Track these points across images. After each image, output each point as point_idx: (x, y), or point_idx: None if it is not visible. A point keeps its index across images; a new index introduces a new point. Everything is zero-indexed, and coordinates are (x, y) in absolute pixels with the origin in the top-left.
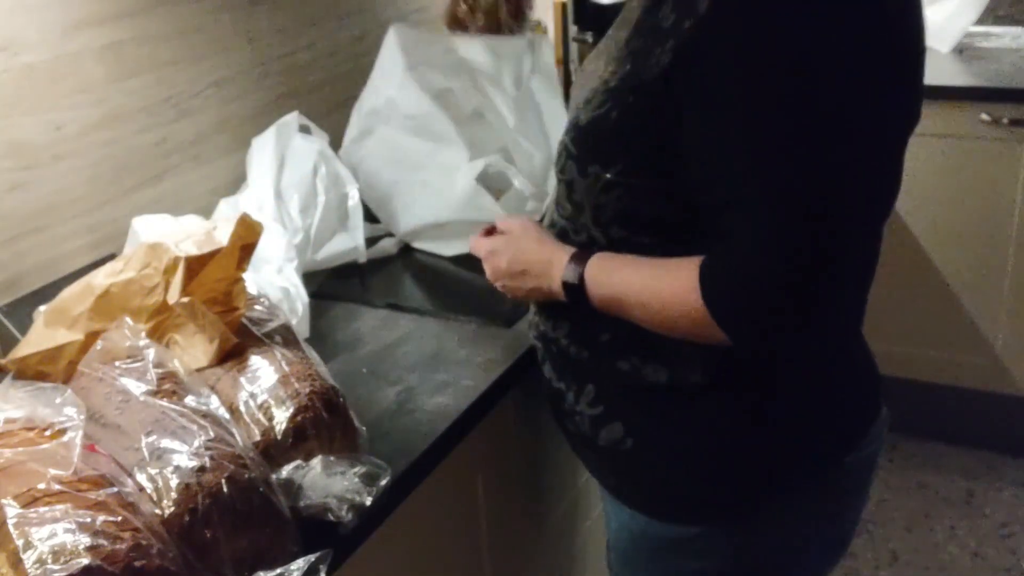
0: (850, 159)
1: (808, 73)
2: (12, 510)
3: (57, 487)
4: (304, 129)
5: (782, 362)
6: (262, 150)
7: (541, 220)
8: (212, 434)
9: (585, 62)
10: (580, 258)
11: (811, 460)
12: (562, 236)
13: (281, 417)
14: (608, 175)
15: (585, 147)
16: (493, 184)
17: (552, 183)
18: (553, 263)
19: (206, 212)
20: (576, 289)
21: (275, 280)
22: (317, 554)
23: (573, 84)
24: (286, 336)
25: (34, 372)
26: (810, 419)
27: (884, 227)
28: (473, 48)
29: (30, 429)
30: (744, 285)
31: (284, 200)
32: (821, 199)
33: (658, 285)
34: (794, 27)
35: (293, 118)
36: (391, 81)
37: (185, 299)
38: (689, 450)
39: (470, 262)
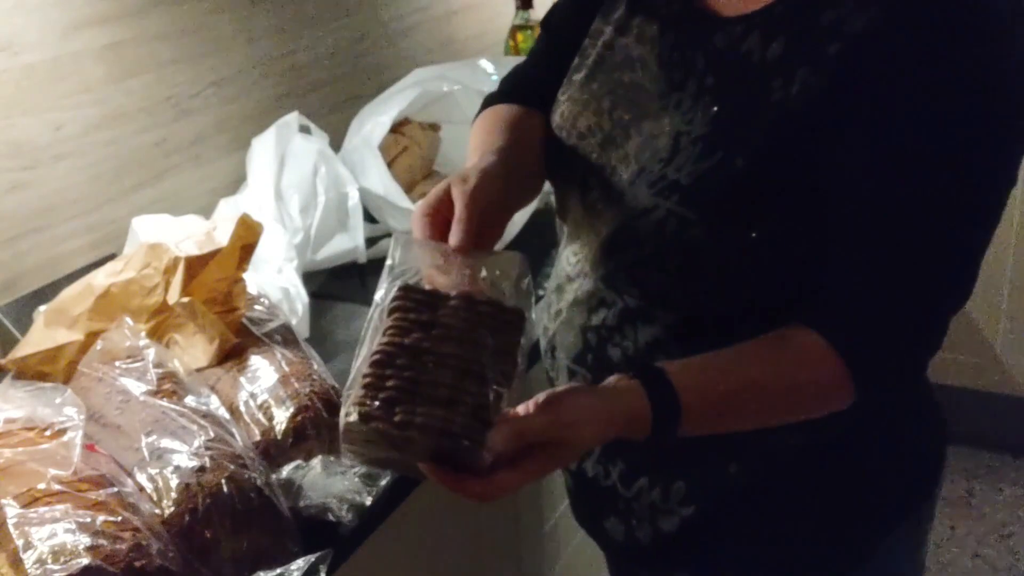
0: (996, 218)
1: (996, 123)
2: (12, 510)
3: (57, 487)
4: (304, 129)
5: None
6: (262, 150)
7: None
8: (212, 434)
9: (568, 116)
10: (655, 385)
11: (897, 509)
12: (636, 315)
13: (281, 417)
14: (754, 234)
15: (714, 207)
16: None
17: None
18: (619, 414)
19: (206, 212)
20: (670, 421)
21: (275, 280)
22: (317, 554)
23: (571, 148)
24: (286, 336)
25: (34, 372)
26: (890, 468)
27: None
28: None
29: (30, 429)
30: (887, 343)
31: (284, 200)
32: (967, 257)
33: (777, 374)
34: (990, 64)
35: (293, 118)
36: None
37: (185, 299)
38: (804, 509)
39: None
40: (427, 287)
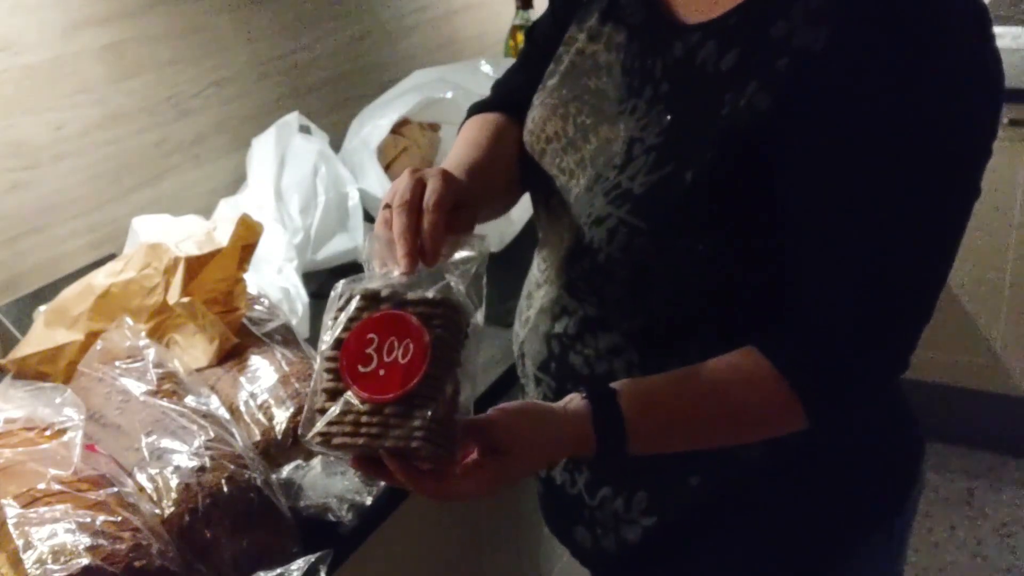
0: (959, 234)
1: (952, 133)
2: (12, 510)
3: (57, 487)
4: (304, 129)
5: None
6: (262, 150)
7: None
8: (212, 434)
9: (537, 120)
10: (604, 408)
11: (865, 522)
12: (595, 324)
13: (281, 417)
14: (701, 246)
15: (662, 218)
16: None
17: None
18: (566, 437)
19: (206, 212)
20: (616, 445)
21: (275, 280)
22: (317, 554)
23: (540, 152)
24: (286, 336)
25: (34, 372)
26: (859, 480)
27: None
28: None
29: (30, 429)
30: (837, 366)
31: (284, 200)
32: (926, 275)
33: (725, 397)
34: (945, 82)
35: (293, 118)
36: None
37: (185, 299)
38: (766, 522)
39: None
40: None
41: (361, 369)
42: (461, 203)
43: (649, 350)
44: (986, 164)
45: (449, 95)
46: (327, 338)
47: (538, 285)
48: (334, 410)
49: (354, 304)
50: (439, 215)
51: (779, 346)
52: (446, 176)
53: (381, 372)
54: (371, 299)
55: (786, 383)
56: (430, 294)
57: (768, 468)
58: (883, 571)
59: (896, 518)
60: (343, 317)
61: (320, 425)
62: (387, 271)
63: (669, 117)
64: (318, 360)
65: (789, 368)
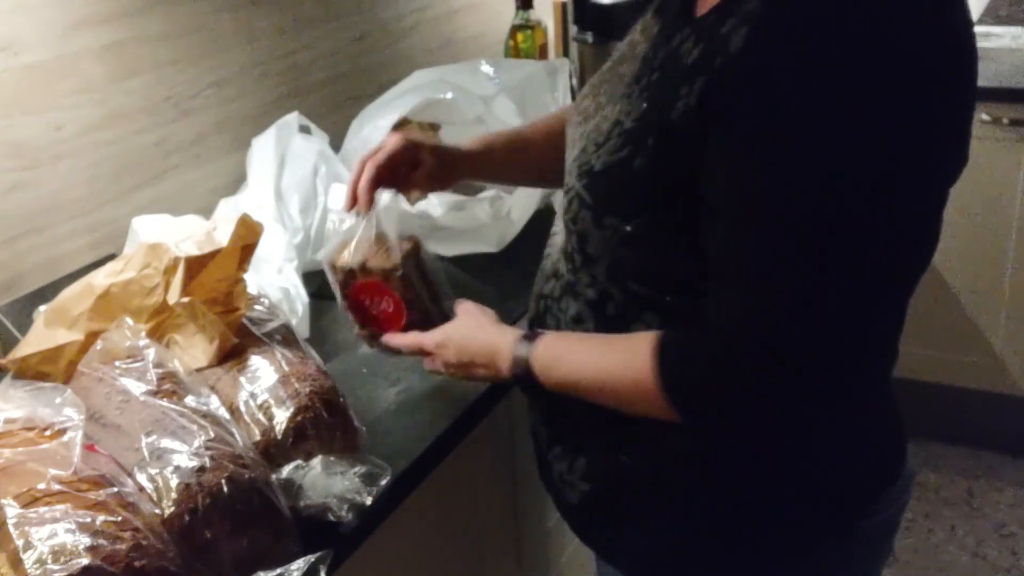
0: (871, 239)
1: (850, 140)
2: (12, 510)
3: (57, 487)
4: (304, 129)
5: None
6: (262, 150)
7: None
8: (212, 434)
9: (579, 97)
10: (526, 344)
11: (816, 526)
12: (568, 290)
13: (281, 417)
14: (628, 227)
15: (602, 196)
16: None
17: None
18: (500, 351)
19: (206, 212)
20: (526, 379)
21: (275, 280)
22: (317, 554)
23: (569, 123)
24: (286, 336)
25: (34, 372)
26: (810, 484)
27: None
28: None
29: (30, 429)
30: (709, 368)
31: (284, 200)
32: (824, 287)
33: (611, 365)
34: (848, 82)
35: (293, 118)
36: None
37: (185, 299)
38: (697, 514)
39: (470, 263)
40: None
41: (371, 312)
42: (418, 163)
43: (602, 327)
44: (950, 154)
45: (449, 95)
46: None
47: (550, 249)
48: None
49: (336, 277)
50: (369, 169)
51: (671, 338)
52: (399, 140)
53: (382, 316)
54: (348, 273)
55: (652, 373)
56: (387, 264)
57: (697, 461)
58: (840, 573)
59: (860, 522)
60: (337, 286)
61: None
62: (341, 219)
63: (645, 105)
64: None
65: (660, 360)
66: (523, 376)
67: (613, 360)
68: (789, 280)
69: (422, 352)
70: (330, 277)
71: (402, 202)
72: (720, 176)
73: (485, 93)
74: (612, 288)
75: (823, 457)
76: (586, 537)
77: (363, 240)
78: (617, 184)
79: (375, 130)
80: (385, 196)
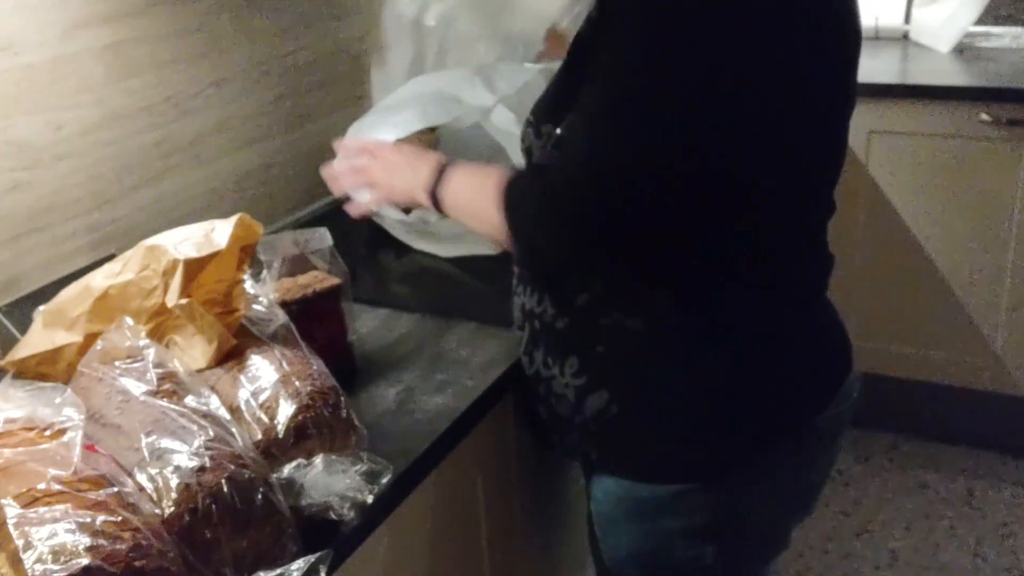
0: (701, 121)
1: (703, 30)
2: (12, 510)
3: (57, 487)
4: None
5: (750, 321)
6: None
7: None
8: (212, 434)
9: None
10: (442, 167)
11: (784, 420)
12: None
13: (283, 416)
14: (558, 131)
15: (539, 107)
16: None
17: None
18: (421, 165)
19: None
20: (432, 195)
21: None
22: (317, 554)
23: None
24: (286, 336)
25: (33, 373)
26: (781, 381)
27: (830, 192)
28: None
29: (30, 429)
30: (537, 193)
31: None
32: (648, 150)
33: (478, 196)
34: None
35: None
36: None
37: (183, 301)
38: (670, 412)
39: (470, 263)
40: None
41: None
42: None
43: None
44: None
45: (447, 119)
46: None
47: None
48: None
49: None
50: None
51: (519, 172)
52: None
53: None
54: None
55: (496, 197)
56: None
57: (690, 339)
58: (801, 463)
59: (819, 413)
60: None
61: None
62: None
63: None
64: None
65: (504, 186)
66: (431, 192)
67: (480, 192)
68: (620, 133)
69: (365, 153)
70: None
71: (396, 211)
72: (601, 51)
73: (483, 104)
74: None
75: (784, 355)
76: (576, 447)
77: None
78: (550, 97)
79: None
80: (321, 232)
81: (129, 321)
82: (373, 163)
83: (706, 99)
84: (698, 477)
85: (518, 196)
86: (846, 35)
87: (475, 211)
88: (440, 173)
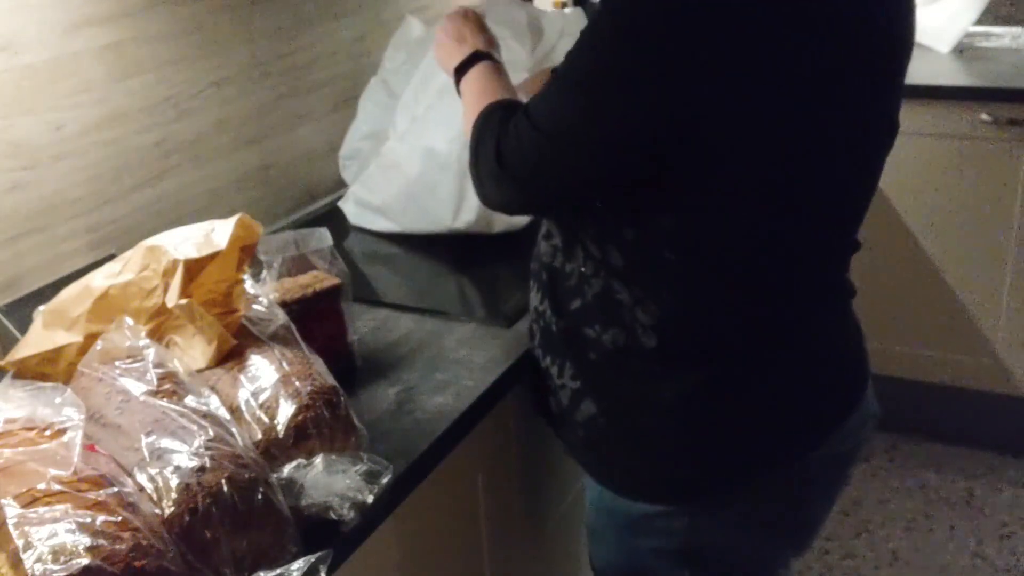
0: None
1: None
2: (12, 510)
3: (57, 487)
4: None
5: (732, 350)
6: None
7: None
8: (212, 434)
9: None
10: (474, 58)
11: (766, 454)
12: None
13: (283, 416)
14: None
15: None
16: None
17: None
18: (462, 48)
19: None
20: (456, 78)
21: None
22: (317, 554)
23: None
24: (286, 336)
25: (33, 373)
26: (762, 414)
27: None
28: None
29: (30, 429)
30: (490, 135)
31: None
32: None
33: (473, 104)
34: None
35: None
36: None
37: (183, 301)
38: (645, 431)
39: (470, 263)
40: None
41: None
42: None
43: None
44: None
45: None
46: None
47: None
48: None
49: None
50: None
51: (509, 109)
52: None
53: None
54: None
55: (476, 115)
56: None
57: (669, 357)
58: (791, 497)
59: (811, 451)
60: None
61: None
62: None
63: None
64: None
65: (481, 112)
66: (455, 76)
67: (476, 103)
68: (548, 112)
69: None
70: None
71: None
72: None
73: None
74: None
75: (753, 398)
76: (573, 446)
77: None
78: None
79: None
80: (321, 232)
81: (129, 321)
82: (443, 26)
83: (638, 92)
84: (670, 500)
85: (478, 132)
86: (850, 46)
87: (466, 116)
88: (469, 64)
